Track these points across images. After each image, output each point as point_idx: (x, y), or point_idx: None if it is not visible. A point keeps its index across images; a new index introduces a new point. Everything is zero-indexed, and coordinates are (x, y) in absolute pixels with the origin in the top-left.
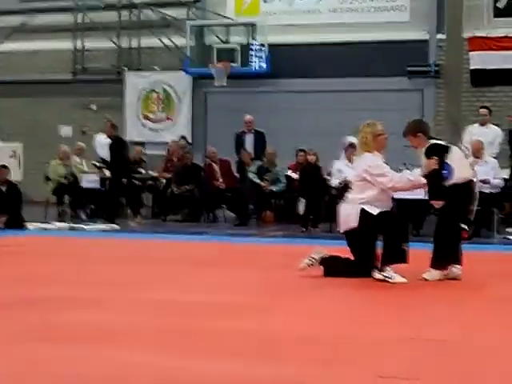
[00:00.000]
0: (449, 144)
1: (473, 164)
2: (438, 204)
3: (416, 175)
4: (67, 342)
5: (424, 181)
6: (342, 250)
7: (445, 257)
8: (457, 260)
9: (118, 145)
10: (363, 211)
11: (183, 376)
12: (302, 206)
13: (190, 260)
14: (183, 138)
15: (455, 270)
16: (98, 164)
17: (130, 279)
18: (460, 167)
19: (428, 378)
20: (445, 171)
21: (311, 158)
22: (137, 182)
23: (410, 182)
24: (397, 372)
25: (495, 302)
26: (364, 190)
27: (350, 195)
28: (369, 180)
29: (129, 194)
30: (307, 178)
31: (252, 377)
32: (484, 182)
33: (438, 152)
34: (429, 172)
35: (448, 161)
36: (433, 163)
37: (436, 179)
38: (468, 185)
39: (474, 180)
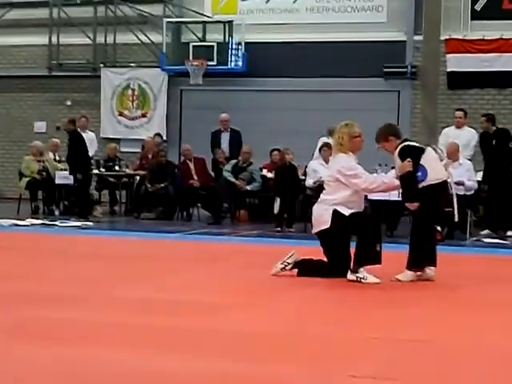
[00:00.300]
0: (422, 145)
1: (447, 165)
2: (413, 206)
3: (390, 177)
4: (40, 339)
5: (398, 183)
6: (316, 251)
7: (421, 258)
8: (432, 261)
9: (75, 140)
10: (335, 212)
11: (157, 374)
12: (277, 206)
13: (163, 258)
14: (158, 135)
15: (429, 271)
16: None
17: (103, 277)
18: (434, 168)
19: (401, 377)
20: (419, 173)
21: (288, 157)
22: (111, 179)
23: (384, 184)
24: (369, 372)
25: (468, 304)
26: (337, 191)
27: (322, 196)
28: (342, 181)
29: (80, 189)
30: (282, 178)
31: (224, 375)
32: (458, 183)
33: (412, 154)
34: (403, 174)
35: (422, 162)
36: (407, 165)
37: (410, 181)
38: (442, 185)
39: (448, 180)
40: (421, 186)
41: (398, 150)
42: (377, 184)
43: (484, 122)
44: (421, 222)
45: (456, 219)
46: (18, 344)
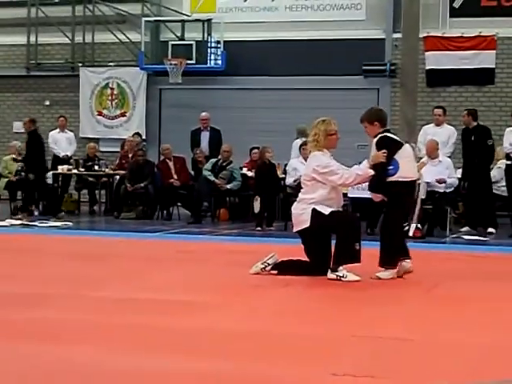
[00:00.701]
0: (401, 141)
1: (420, 166)
2: (376, 197)
3: (363, 168)
4: (17, 338)
5: (372, 172)
6: (297, 249)
7: (393, 254)
8: (405, 254)
9: (33, 140)
10: (315, 211)
11: (136, 373)
12: (257, 205)
13: (143, 257)
14: (137, 134)
15: (405, 263)
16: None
17: (82, 276)
18: (406, 166)
19: (381, 375)
20: (391, 166)
21: (268, 155)
22: (91, 179)
23: (359, 176)
24: (350, 369)
25: (447, 301)
26: (315, 190)
27: (301, 195)
28: (318, 179)
29: (27, 189)
30: (263, 176)
31: (204, 374)
32: (440, 181)
33: (390, 146)
34: (375, 164)
35: (396, 157)
36: (381, 156)
37: (380, 172)
38: (411, 185)
39: (418, 182)
40: (389, 179)
41: (377, 138)
42: (352, 178)
43: (465, 116)
44: (389, 218)
45: (415, 222)
46: None
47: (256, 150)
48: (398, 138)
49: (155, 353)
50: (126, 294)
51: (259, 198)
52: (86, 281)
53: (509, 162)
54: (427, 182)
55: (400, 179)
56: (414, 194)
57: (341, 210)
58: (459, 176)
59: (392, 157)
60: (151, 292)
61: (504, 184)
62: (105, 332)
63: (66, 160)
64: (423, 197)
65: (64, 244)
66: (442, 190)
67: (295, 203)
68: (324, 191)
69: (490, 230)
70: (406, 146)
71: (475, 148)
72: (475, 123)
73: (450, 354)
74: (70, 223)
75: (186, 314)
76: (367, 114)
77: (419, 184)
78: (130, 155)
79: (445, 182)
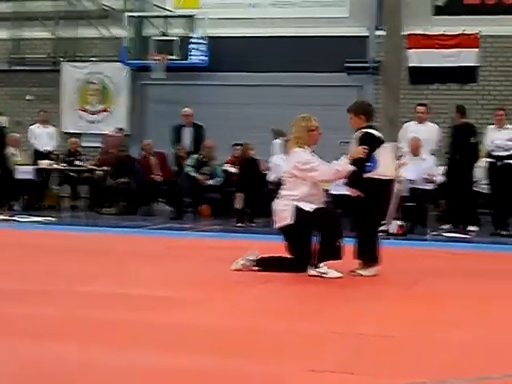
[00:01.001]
0: (384, 139)
1: (399, 165)
2: (353, 192)
3: (343, 164)
4: (5, 334)
5: (351, 168)
6: (279, 246)
7: (372, 251)
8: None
9: None
10: (297, 208)
11: (117, 369)
12: (239, 201)
13: (125, 253)
14: (120, 129)
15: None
16: None
17: (63, 272)
18: (385, 164)
19: (360, 371)
20: (370, 163)
21: (250, 152)
22: (72, 174)
23: (339, 172)
24: (329, 366)
25: (428, 298)
26: (296, 187)
27: (283, 191)
28: (299, 176)
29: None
30: (246, 173)
31: (185, 370)
32: (429, 180)
33: (371, 143)
34: (354, 159)
35: (376, 154)
36: (361, 151)
37: (358, 168)
38: (388, 183)
39: (395, 181)
40: (367, 176)
41: (359, 133)
42: (332, 174)
43: (454, 112)
44: (365, 215)
45: (396, 219)
46: None
47: (239, 147)
48: (380, 136)
49: (138, 349)
50: (107, 290)
51: (241, 194)
52: (67, 276)
53: (490, 160)
54: (410, 180)
55: (377, 177)
56: (391, 192)
57: (323, 206)
58: (442, 173)
59: (372, 154)
60: (132, 288)
61: (486, 182)
62: (86, 327)
63: (47, 155)
64: (405, 194)
65: (45, 239)
66: (423, 188)
67: (277, 199)
68: (305, 188)
69: (472, 227)
70: (388, 145)
71: (459, 145)
72: (462, 120)
73: (431, 350)
74: (52, 218)
75: (166, 309)
76: (355, 106)
77: (398, 182)
78: (112, 150)
79: (432, 182)
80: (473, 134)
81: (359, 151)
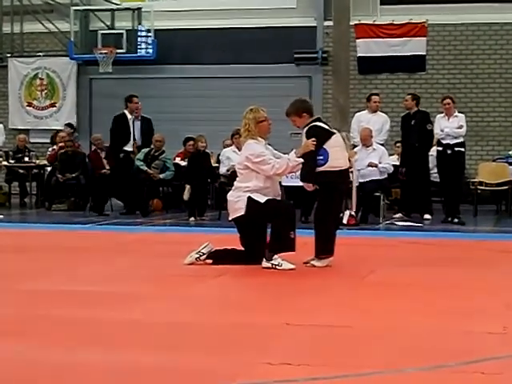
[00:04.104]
0: (332, 129)
1: (351, 154)
2: (308, 187)
3: (293, 157)
4: None
5: (301, 160)
6: (231, 238)
7: (327, 243)
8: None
9: None
10: (250, 199)
11: (69, 367)
12: (187, 193)
13: (75, 249)
14: (69, 125)
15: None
16: None
17: (12, 269)
18: (336, 155)
19: (316, 363)
20: (320, 156)
21: (201, 144)
22: (21, 171)
23: (290, 166)
24: (285, 358)
25: (382, 288)
26: (249, 179)
27: (236, 183)
28: (252, 168)
29: None
30: (195, 165)
31: (141, 367)
32: (371, 165)
33: (318, 135)
34: (304, 153)
35: (326, 146)
36: (310, 145)
37: (310, 161)
38: (342, 174)
39: (350, 170)
40: (320, 169)
41: (307, 128)
42: (284, 167)
43: (409, 100)
44: (321, 207)
45: (353, 210)
46: None
47: (191, 142)
48: (327, 127)
49: (90, 346)
50: (57, 287)
51: (188, 186)
52: (16, 274)
53: (440, 148)
54: (360, 170)
55: (330, 169)
56: (346, 182)
57: (278, 199)
58: (394, 163)
59: (321, 146)
60: (83, 284)
61: (436, 170)
62: (36, 325)
63: None
64: (356, 184)
65: None
66: (375, 178)
67: (231, 191)
68: (259, 180)
69: (426, 216)
70: (337, 135)
71: (415, 133)
72: (416, 108)
73: (387, 340)
74: (1, 216)
75: (118, 305)
76: (294, 107)
77: (352, 172)
78: (61, 145)
79: (376, 166)
80: (429, 121)
81: (308, 145)
